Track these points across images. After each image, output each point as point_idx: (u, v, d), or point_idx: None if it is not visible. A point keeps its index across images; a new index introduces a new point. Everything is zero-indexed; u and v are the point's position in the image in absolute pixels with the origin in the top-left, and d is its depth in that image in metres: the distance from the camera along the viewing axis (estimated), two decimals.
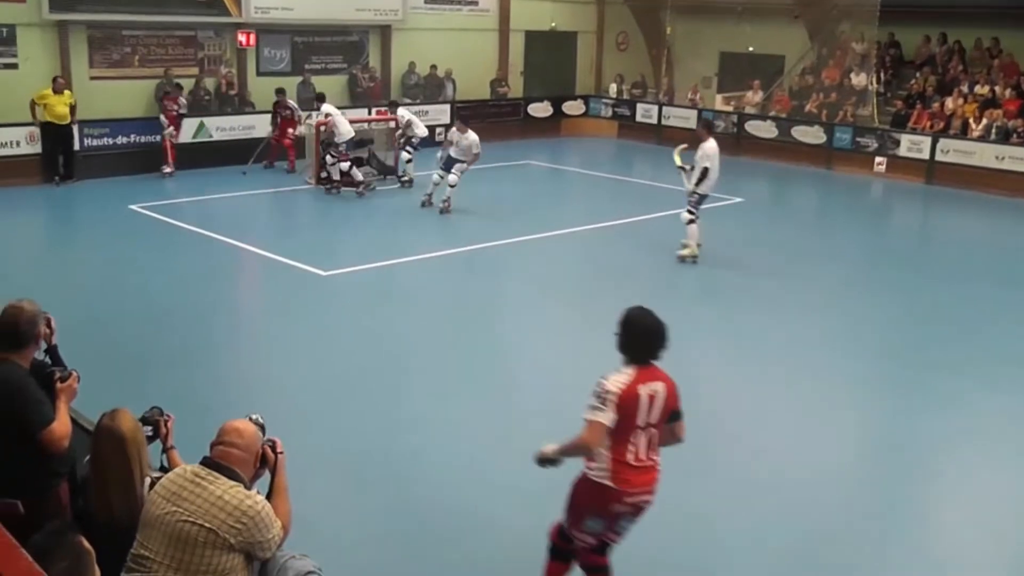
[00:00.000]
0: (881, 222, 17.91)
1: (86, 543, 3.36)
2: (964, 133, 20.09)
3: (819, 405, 8.31)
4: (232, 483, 3.89)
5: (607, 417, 4.65)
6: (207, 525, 3.77)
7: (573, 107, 25.77)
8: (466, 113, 20.41)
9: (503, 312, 10.95)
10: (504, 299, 11.47)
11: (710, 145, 12.54)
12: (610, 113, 25.55)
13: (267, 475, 4.15)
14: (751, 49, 24.66)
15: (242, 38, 19.80)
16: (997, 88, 20.52)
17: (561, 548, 5.13)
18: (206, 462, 3.96)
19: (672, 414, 4.88)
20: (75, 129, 16.81)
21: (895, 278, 12.65)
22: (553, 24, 25.58)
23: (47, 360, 4.81)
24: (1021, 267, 13.73)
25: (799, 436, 7.71)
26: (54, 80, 16.54)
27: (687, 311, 10.82)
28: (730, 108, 23.99)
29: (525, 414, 7.80)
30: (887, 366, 9.41)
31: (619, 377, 4.74)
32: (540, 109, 24.86)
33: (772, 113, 23.12)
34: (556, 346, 9.69)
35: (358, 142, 17.63)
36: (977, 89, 20.85)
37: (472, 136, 15.26)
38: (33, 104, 16.34)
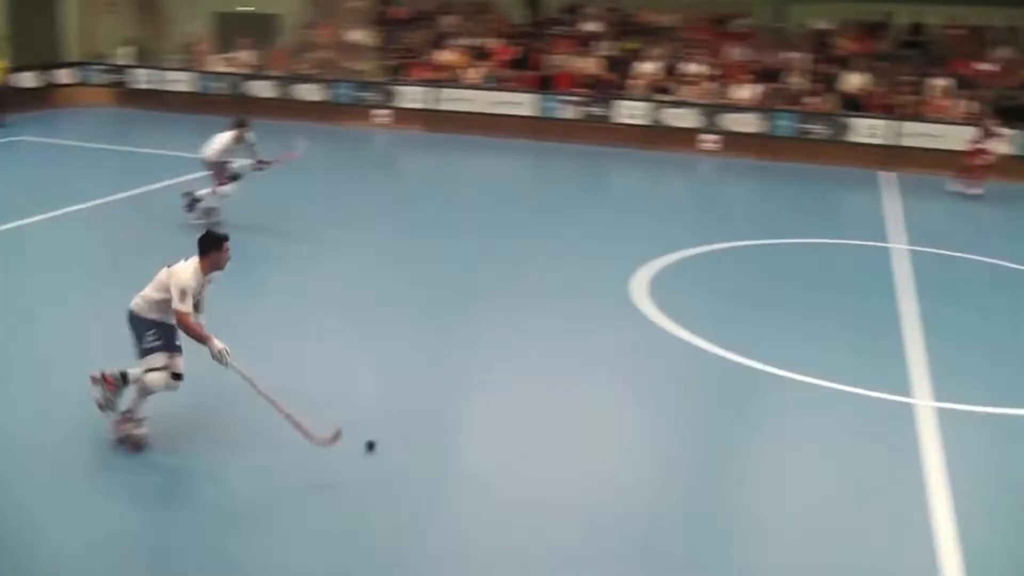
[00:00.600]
0: (392, 172, 19.02)
1: None
2: (460, 82, 21.94)
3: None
4: None
5: None
6: None
7: (66, 75, 24.28)
8: None
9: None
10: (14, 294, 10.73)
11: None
12: (108, 80, 24.42)
13: None
14: (246, 8, 24.71)
15: None
16: (488, 40, 22.57)
17: None
18: None
19: None
20: None
21: (411, 222, 13.65)
22: None
23: None
24: (530, 199, 15.47)
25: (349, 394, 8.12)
26: None
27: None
28: (227, 68, 23.95)
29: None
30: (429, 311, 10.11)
31: None
32: (27, 79, 23.10)
33: (272, 72, 23.44)
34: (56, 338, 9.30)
35: None
36: (468, 41, 22.75)
37: None
38: None
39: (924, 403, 7.95)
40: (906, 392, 8.17)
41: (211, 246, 6.48)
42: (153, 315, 6.55)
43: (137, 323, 6.59)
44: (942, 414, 7.76)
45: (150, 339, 6.55)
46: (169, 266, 6.49)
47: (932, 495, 6.47)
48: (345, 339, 9.08)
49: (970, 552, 5.78)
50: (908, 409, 7.84)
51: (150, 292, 6.55)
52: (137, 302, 6.58)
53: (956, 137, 18.73)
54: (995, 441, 7.55)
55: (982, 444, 7.47)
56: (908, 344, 9.34)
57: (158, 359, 6.56)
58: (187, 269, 6.39)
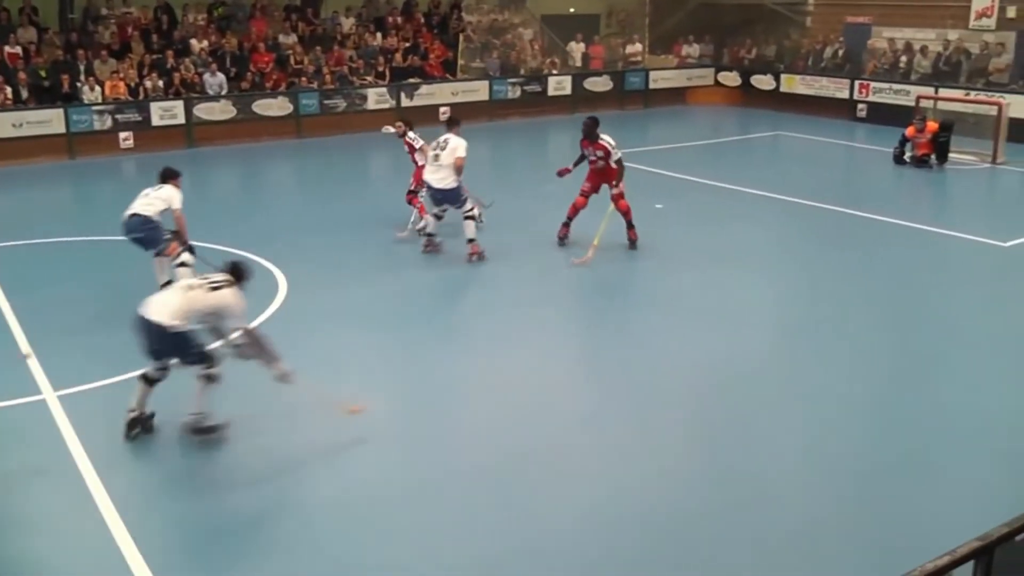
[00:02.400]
0: None
1: None
2: None
3: None
4: None
5: None
6: None
7: None
8: None
9: None
10: None
11: None
12: None
13: None
14: None
15: None
16: None
17: None
18: None
19: None
20: None
21: None
22: None
23: None
24: None
25: None
26: None
27: None
28: None
29: None
30: None
31: None
32: None
33: None
34: None
35: None
36: None
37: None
38: None
39: (51, 395, 8.41)
40: (34, 391, 8.51)
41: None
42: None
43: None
44: (67, 400, 8.32)
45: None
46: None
47: (87, 476, 7.07)
48: None
49: (130, 514, 6.61)
50: (42, 406, 8.26)
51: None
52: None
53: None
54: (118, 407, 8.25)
55: (109, 414, 8.04)
56: (20, 341, 9.64)
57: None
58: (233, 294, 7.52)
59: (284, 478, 7.27)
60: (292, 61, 22.91)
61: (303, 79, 22.65)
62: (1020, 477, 3.91)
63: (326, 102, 22.57)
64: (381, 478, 7.28)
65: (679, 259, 12.78)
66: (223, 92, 21.56)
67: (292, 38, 23.50)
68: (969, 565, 3.76)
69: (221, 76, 21.69)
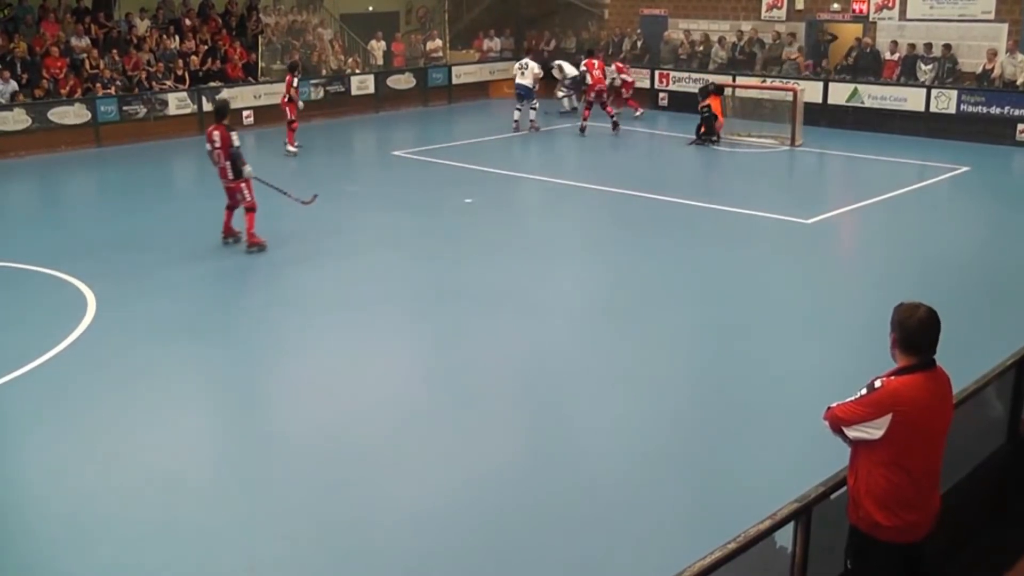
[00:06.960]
0: None
1: None
2: None
3: None
4: None
5: None
6: None
7: None
8: None
9: None
10: None
11: None
12: None
13: None
14: None
15: None
16: None
17: None
18: None
19: None
20: None
21: None
22: None
23: None
24: None
25: None
26: None
27: None
28: None
29: None
30: None
31: None
32: None
33: None
34: None
35: None
36: None
37: None
38: None
39: None
40: None
41: None
42: None
43: None
44: None
45: None
46: None
47: None
48: None
49: None
50: None
51: None
52: None
53: None
54: None
55: None
56: None
57: None
58: None
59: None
60: (87, 66, 22.25)
61: (99, 85, 22.06)
62: (832, 438, 4.37)
63: (126, 108, 22.05)
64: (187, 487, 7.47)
65: (491, 251, 13.28)
66: (15, 100, 20.80)
67: (85, 41, 22.79)
68: (790, 526, 4.03)
69: (13, 83, 20.92)
